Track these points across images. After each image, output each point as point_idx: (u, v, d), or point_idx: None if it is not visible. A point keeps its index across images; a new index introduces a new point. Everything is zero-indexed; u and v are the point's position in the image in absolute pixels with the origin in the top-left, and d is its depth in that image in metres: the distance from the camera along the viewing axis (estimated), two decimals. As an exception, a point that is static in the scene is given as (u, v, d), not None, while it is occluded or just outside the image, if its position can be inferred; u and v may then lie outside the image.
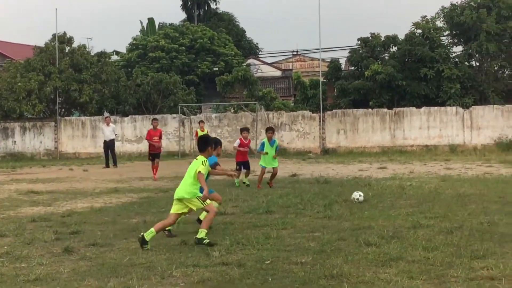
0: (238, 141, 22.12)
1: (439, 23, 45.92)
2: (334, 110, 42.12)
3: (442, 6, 45.70)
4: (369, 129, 40.47)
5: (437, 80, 42.97)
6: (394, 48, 46.21)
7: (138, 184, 22.46)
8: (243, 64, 56.52)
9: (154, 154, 25.75)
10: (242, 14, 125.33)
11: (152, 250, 10.26)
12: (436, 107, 40.32)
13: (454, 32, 45.50)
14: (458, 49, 46.21)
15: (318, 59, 51.51)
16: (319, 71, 48.06)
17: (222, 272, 8.68)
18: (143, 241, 10.46)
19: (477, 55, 44.56)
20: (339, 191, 18.04)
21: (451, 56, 45.10)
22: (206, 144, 11.61)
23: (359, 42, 46.78)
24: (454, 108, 40.16)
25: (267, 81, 58.64)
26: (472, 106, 40.59)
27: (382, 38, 46.10)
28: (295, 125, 41.42)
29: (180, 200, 11.08)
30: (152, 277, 8.53)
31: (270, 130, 20.88)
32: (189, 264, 9.21)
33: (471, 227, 11.57)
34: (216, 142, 12.24)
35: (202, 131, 31.22)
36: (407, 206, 14.82)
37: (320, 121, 40.76)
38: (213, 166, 12.26)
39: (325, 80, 47.47)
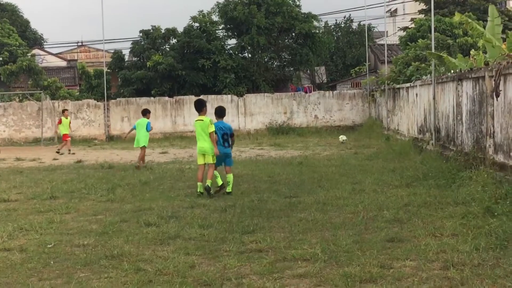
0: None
1: (215, 18, 46.71)
2: (118, 99, 41.56)
3: (217, 2, 46.48)
4: (152, 116, 40.01)
5: (213, 70, 43.69)
6: (174, 40, 46.38)
7: None
8: (28, 55, 54.32)
9: None
10: (26, 5, 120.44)
11: None
12: (213, 95, 40.89)
13: (228, 26, 46.38)
14: (232, 42, 47.27)
15: (102, 50, 50.69)
16: (103, 62, 47.26)
17: (3, 258, 8.34)
18: (208, 190, 13.43)
19: (249, 47, 45.77)
20: (122, 175, 17.88)
21: (226, 48, 45.99)
22: (202, 105, 14.54)
23: (141, 34, 46.55)
24: (229, 96, 40.96)
25: (53, 71, 56.83)
26: (246, 94, 41.63)
27: (163, 31, 46.15)
28: (80, 113, 40.43)
29: (203, 154, 14.06)
30: None
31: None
32: (-31, 252, 8.75)
33: (243, 204, 11.91)
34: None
35: (66, 118, 29.91)
36: (185, 187, 14.98)
37: (104, 109, 40.07)
38: None
39: (109, 70, 46.80)
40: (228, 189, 13.74)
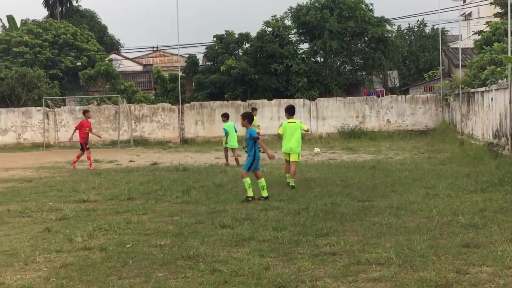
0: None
1: (288, 22, 46.79)
2: (192, 103, 42.05)
3: (290, 6, 46.60)
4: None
5: (286, 75, 43.75)
6: (247, 45, 46.65)
7: (3, 174, 21.61)
8: (105, 59, 55.52)
9: None
10: (104, 11, 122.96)
11: (15, 238, 9.93)
12: (285, 99, 40.95)
13: (301, 30, 46.38)
14: (305, 46, 47.28)
15: (177, 55, 51.35)
16: (178, 66, 47.87)
17: (84, 257, 8.53)
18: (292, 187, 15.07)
19: (321, 52, 45.71)
20: (197, 178, 18.07)
21: (298, 52, 46.00)
22: (294, 109, 16.28)
23: (215, 39, 46.96)
24: (302, 100, 40.96)
25: (129, 75, 57.92)
26: (318, 98, 41.54)
27: (236, 36, 46.48)
28: (155, 117, 41.07)
29: (289, 153, 15.66)
30: (15, 264, 8.28)
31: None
32: (52, 250, 9.00)
33: (316, 208, 11.88)
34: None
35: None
36: (259, 190, 15.00)
37: (179, 113, 40.60)
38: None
39: (183, 75, 47.35)
40: (264, 193, 13.75)
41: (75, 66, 53.97)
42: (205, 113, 40.18)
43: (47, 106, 41.52)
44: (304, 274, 7.41)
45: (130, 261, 8.22)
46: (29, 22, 62.33)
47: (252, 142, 13.94)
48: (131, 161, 25.66)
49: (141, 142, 39.12)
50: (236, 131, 23.47)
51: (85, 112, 25.10)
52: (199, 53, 52.93)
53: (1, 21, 63.95)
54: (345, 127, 39.25)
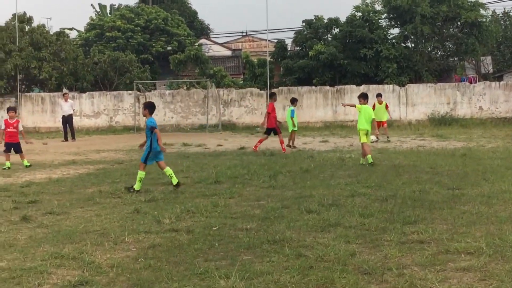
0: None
1: (378, 7, 46.18)
2: (280, 88, 42.13)
3: (381, -9, 45.96)
4: (313, 105, 40.55)
5: (375, 60, 43.26)
6: (336, 30, 46.34)
7: (95, 156, 22.20)
8: (195, 44, 56.12)
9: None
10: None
11: (106, 218, 10.17)
12: (374, 85, 40.55)
13: (391, 15, 45.73)
14: (395, 31, 46.60)
15: (266, 40, 51.49)
16: (266, 51, 47.99)
17: (171, 238, 8.65)
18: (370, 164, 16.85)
19: (412, 37, 44.96)
20: (284, 163, 18.08)
21: (388, 37, 45.39)
22: (367, 95, 18.67)
23: (303, 24, 46.83)
24: (391, 86, 40.46)
25: (218, 60, 58.39)
26: (408, 84, 40.96)
27: (325, 21, 46.24)
28: (243, 102, 41.35)
29: (366, 132, 17.61)
30: (105, 243, 8.45)
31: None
32: (141, 230, 9.15)
33: (404, 195, 11.70)
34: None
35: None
36: (346, 176, 14.93)
37: (267, 98, 40.73)
38: None
39: (272, 60, 47.45)
40: (174, 180, 13.39)
41: (166, 50, 54.79)
42: (290, 98, 40.16)
43: (138, 90, 42.37)
44: (391, 262, 7.30)
45: (216, 244, 8.29)
46: (121, 7, 63.55)
47: (150, 133, 13.42)
48: (219, 145, 25.92)
49: (229, 127, 39.47)
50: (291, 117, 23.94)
51: (272, 95, 24.32)
52: (288, 38, 52.93)
53: (94, 7, 65.50)
54: (435, 114, 38.60)
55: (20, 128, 19.66)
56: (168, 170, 13.50)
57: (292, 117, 23.74)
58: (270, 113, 22.88)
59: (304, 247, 7.96)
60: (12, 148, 19.27)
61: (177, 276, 6.83)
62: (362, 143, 17.75)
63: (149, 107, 13.87)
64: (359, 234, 8.63)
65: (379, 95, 28.09)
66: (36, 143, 29.39)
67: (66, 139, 32.03)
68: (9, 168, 18.45)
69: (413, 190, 12.31)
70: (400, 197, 11.46)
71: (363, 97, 18.33)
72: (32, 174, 17.05)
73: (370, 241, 8.27)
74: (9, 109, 19.98)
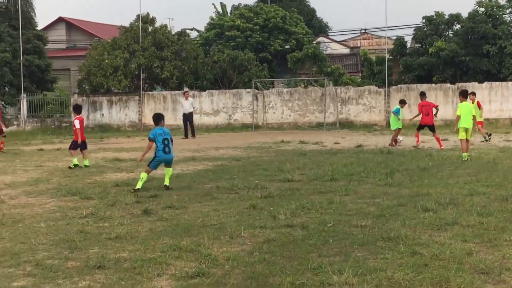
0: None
1: (502, 1, 44.73)
2: (399, 85, 41.62)
3: (505, -16, 44.53)
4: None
5: (499, 56, 41.93)
6: (458, 26, 45.24)
7: (214, 153, 22.66)
8: (313, 42, 56.18)
9: None
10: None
11: (223, 213, 10.40)
12: (497, 82, 39.40)
13: (516, 9, 44.28)
14: (521, 26, 45.00)
15: (385, 37, 50.97)
16: (385, 48, 47.51)
17: (286, 234, 8.76)
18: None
19: (539, 32, 43.34)
20: (401, 161, 17.89)
21: (513, 32, 43.94)
22: (467, 93, 19.24)
23: (423, 20, 45.99)
24: (515, 83, 39.25)
25: (336, 58, 58.22)
26: (534, 81, 39.59)
27: (446, 16, 45.22)
28: (361, 99, 41.10)
29: (466, 129, 17.91)
30: (222, 237, 8.66)
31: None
32: (256, 225, 9.32)
33: (526, 195, 11.35)
34: None
35: None
36: (465, 175, 14.62)
37: (385, 96, 40.34)
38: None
39: (390, 57, 46.89)
40: (166, 182, 13.71)
41: (284, 49, 55.11)
42: (412, 96, 39.54)
43: (256, 88, 42.88)
44: (509, 262, 7.12)
45: (331, 240, 8.33)
46: (241, 7, 64.39)
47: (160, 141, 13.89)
48: (336, 143, 25.90)
49: (347, 125, 39.33)
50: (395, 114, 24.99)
51: (423, 94, 25.15)
52: (407, 35, 52.03)
53: (215, 6, 66.63)
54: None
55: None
56: (144, 176, 13.62)
57: (397, 115, 24.52)
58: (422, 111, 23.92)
59: (419, 245, 7.88)
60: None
61: (290, 270, 6.93)
62: (461, 140, 18.19)
63: (154, 118, 14.61)
64: (476, 233, 8.47)
65: (473, 94, 27.21)
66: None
67: (186, 137, 32.81)
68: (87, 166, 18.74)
69: (536, 190, 11.92)
70: (522, 197, 11.12)
71: (463, 95, 18.65)
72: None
73: (488, 241, 8.10)
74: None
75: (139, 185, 13.40)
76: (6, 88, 46.69)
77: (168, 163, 14.00)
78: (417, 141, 24.10)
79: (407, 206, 10.59)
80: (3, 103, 33.97)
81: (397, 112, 24.56)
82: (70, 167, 18.28)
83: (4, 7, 47.36)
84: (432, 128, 23.66)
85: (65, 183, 14.93)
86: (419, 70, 43.46)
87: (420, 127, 24.05)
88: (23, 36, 45.28)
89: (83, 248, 8.22)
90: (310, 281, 6.56)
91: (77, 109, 20.10)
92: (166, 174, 13.90)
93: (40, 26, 53.10)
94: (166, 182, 13.68)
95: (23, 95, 45.35)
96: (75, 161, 18.57)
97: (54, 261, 7.58)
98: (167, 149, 13.86)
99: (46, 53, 48.84)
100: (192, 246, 8.04)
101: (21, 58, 44.77)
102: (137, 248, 8.11)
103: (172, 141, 14.12)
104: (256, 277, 6.74)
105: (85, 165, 18.58)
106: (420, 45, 45.91)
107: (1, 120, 28.44)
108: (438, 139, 22.96)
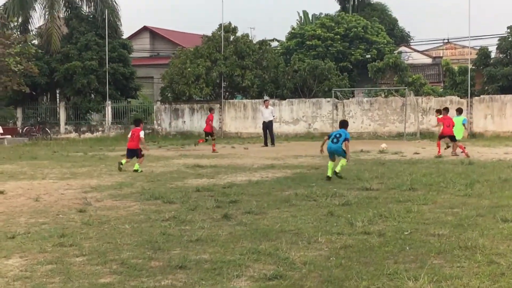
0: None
1: None
2: (482, 96, 40.92)
3: None
4: (516, 114, 39.03)
5: None
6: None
7: (293, 161, 22.85)
8: (394, 52, 55.80)
9: None
10: (395, 3, 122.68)
11: (301, 219, 10.57)
12: None
13: None
14: None
15: (468, 47, 50.19)
16: (468, 58, 46.79)
17: (363, 240, 8.87)
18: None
19: None
20: (482, 172, 17.67)
21: None
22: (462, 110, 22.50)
23: (508, 30, 45.10)
24: None
25: (417, 67, 57.58)
26: None
27: (532, 26, 44.27)
28: (444, 110, 40.57)
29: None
30: (299, 242, 8.84)
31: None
32: (333, 232, 9.46)
33: None
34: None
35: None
36: (548, 187, 14.37)
37: (468, 106, 39.68)
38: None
39: (473, 67, 46.12)
40: (337, 169, 16.73)
41: (365, 58, 54.94)
42: (495, 107, 38.95)
43: (336, 97, 42.89)
44: None
45: (407, 247, 8.40)
46: (322, 16, 64.48)
47: None
48: (415, 153, 25.70)
49: (428, 135, 38.85)
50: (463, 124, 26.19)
51: (446, 110, 26.28)
52: (491, 45, 51.06)
53: (299, 14, 66.97)
54: None
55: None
56: (330, 164, 16.85)
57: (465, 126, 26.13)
58: None
59: (497, 255, 7.89)
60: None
61: (366, 275, 7.06)
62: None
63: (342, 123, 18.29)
64: (554, 245, 8.40)
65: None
66: (238, 148, 30.75)
67: (266, 145, 33.10)
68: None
69: None
70: None
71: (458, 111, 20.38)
72: (233, 176, 17.93)
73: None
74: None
75: (328, 172, 16.64)
76: (92, 95, 48.13)
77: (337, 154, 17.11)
78: (439, 152, 24.82)
79: (486, 217, 10.54)
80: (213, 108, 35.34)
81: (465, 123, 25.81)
82: (135, 170, 19.59)
83: (91, 17, 48.74)
84: (452, 138, 24.67)
85: (148, 188, 15.39)
86: (503, 80, 42.61)
87: (442, 137, 25.06)
88: (109, 45, 46.58)
89: (165, 249, 8.55)
90: (386, 286, 6.69)
91: (137, 122, 21.66)
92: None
93: (125, 35, 54.36)
94: (337, 169, 16.67)
95: (108, 102, 46.67)
96: (136, 166, 19.82)
97: (138, 261, 7.92)
98: (335, 140, 17.11)
99: (130, 61, 50.02)
100: (270, 250, 8.25)
101: (107, 66, 46.09)
102: (217, 251, 8.38)
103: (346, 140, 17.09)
104: (332, 281, 6.89)
105: (135, 170, 19.70)
106: (505, 55, 45.03)
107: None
108: (462, 148, 24.15)
